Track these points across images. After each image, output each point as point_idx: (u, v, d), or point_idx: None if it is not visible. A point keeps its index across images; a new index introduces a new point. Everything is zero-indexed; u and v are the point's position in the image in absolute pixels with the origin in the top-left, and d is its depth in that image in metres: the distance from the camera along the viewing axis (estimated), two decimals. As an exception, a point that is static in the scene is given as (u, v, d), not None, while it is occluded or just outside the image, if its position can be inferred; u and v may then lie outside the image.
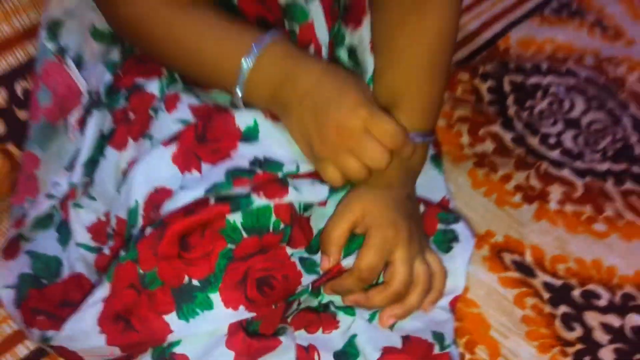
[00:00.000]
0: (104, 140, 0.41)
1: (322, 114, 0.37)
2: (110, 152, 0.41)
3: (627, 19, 0.72)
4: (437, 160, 0.48)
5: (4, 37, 0.43)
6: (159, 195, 0.37)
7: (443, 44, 0.41)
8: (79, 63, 0.44)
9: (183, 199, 0.36)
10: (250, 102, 0.39)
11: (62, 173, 0.43)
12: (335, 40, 0.43)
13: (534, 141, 0.56)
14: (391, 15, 0.41)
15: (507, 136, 0.56)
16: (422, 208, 0.44)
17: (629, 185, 0.54)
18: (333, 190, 0.38)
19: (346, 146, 0.36)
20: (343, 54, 0.43)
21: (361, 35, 0.42)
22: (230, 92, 0.39)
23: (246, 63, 0.37)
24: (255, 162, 0.38)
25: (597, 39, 0.68)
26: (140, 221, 0.37)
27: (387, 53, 0.41)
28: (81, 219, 0.41)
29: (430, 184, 0.46)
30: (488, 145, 0.55)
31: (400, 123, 0.37)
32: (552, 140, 0.57)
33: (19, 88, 0.44)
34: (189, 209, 0.35)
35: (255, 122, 0.39)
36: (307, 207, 0.39)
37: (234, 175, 0.37)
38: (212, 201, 0.35)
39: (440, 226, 0.43)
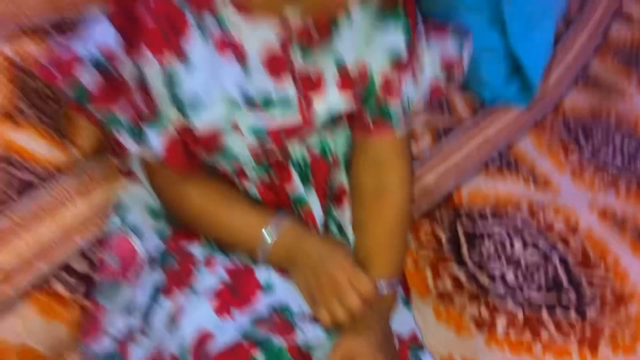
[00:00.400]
0: (157, 291, 0.56)
1: (318, 269, 0.53)
2: (162, 300, 0.54)
3: (554, 171, 0.91)
4: (406, 300, 0.63)
5: (83, 216, 0.59)
6: (204, 337, 0.50)
7: (400, 219, 0.58)
8: (138, 233, 0.60)
9: (222, 340, 0.49)
10: (268, 262, 0.54)
11: (123, 318, 0.56)
12: (328, 216, 0.60)
13: (482, 278, 0.71)
14: (362, 201, 0.58)
15: (462, 275, 0.71)
16: (397, 341, 0.58)
17: (559, 313, 0.69)
18: (329, 333, 0.52)
19: (334, 293, 0.51)
20: (333, 226, 0.60)
21: (344, 214, 0.59)
22: (253, 255, 0.55)
23: (267, 235, 0.54)
24: (272, 309, 0.52)
25: (530, 189, 0.86)
26: (190, 358, 0.50)
27: (360, 229, 0.58)
28: (138, 355, 0.54)
29: (402, 320, 0.60)
30: (447, 283, 0.70)
31: (371, 277, 0.53)
32: (497, 277, 0.72)
33: (94, 256, 0.59)
34: (227, 350, 0.49)
35: (271, 277, 0.54)
36: (310, 346, 0.52)
37: (257, 321, 0.51)
38: (243, 343, 0.49)
39: (410, 355, 0.57)
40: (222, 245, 0.57)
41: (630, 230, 0.80)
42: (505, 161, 0.90)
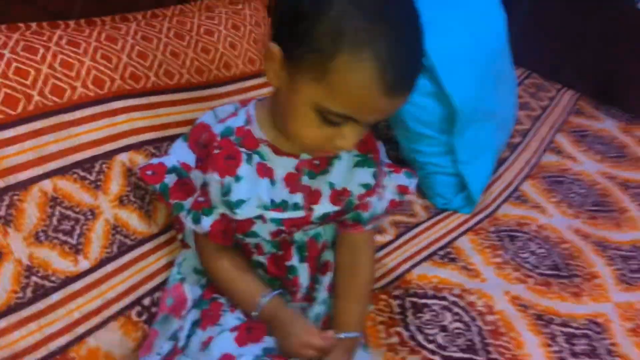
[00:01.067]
0: (195, 325, 0.83)
1: (289, 332, 0.78)
2: (198, 332, 0.82)
3: (482, 263, 1.20)
4: (365, 346, 0.90)
5: (154, 268, 0.88)
6: (227, 358, 0.77)
7: (366, 287, 0.88)
8: (186, 283, 0.88)
9: None
10: (259, 318, 0.81)
11: (169, 342, 0.83)
12: (315, 281, 0.89)
13: (420, 337, 0.99)
14: (341, 273, 0.88)
15: (406, 335, 0.99)
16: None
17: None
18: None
19: (299, 346, 0.77)
20: (319, 287, 0.89)
21: (326, 279, 0.89)
22: (250, 312, 0.82)
23: (262, 301, 0.80)
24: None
25: (464, 276, 1.16)
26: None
27: (338, 293, 0.87)
28: (178, 371, 0.81)
29: (361, 357, 0.87)
30: (395, 339, 0.98)
31: (327, 338, 0.78)
32: (430, 338, 0.99)
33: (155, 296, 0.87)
34: None
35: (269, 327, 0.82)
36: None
37: (267, 351, 0.78)
38: None
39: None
40: (230, 299, 0.84)
41: (530, 315, 1.09)
42: (447, 254, 1.20)
